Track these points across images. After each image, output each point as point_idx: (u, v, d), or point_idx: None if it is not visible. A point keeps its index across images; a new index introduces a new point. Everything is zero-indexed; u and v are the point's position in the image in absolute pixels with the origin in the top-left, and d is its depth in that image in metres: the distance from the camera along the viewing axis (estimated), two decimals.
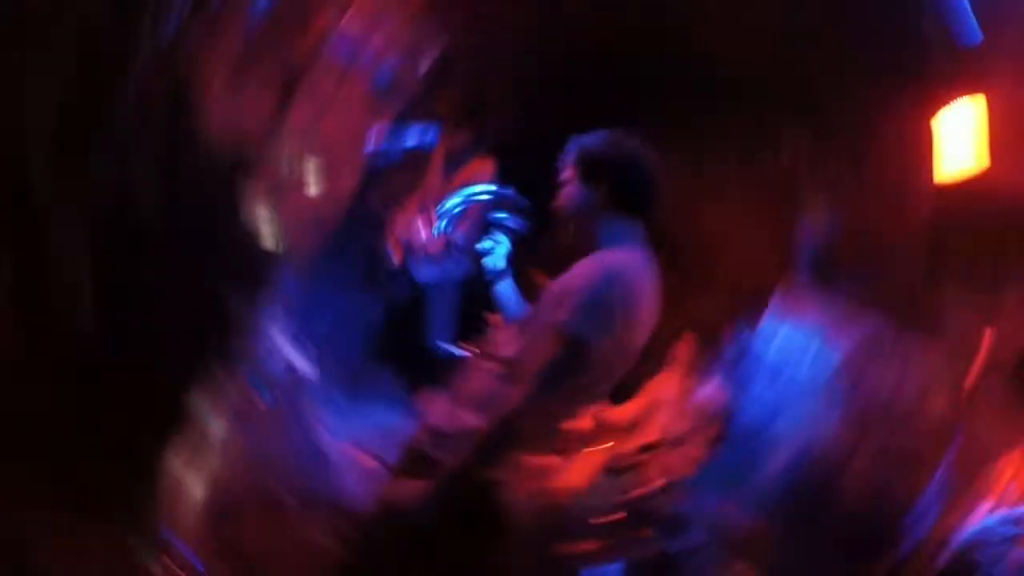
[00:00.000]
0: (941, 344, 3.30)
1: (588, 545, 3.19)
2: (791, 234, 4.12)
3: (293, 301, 4.48)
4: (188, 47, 3.12)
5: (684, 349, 4.02)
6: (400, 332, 4.34)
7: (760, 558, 3.77)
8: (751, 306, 4.47)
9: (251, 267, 2.86)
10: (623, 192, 2.14)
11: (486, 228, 2.43)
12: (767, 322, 4.48)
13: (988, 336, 2.27)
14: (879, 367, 3.93)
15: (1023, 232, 2.71)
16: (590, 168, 2.14)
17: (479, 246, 2.40)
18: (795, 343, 4.33)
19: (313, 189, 4.32)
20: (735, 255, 4.52)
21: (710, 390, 3.41)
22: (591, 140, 2.19)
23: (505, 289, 2.34)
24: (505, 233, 2.37)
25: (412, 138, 2.25)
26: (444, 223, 2.27)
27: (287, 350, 4.40)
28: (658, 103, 3.78)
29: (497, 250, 2.35)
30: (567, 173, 2.19)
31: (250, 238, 2.69)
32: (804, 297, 4.40)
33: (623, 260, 2.07)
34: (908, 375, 3.73)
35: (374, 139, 2.20)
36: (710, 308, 4.51)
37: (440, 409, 2.33)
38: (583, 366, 1.91)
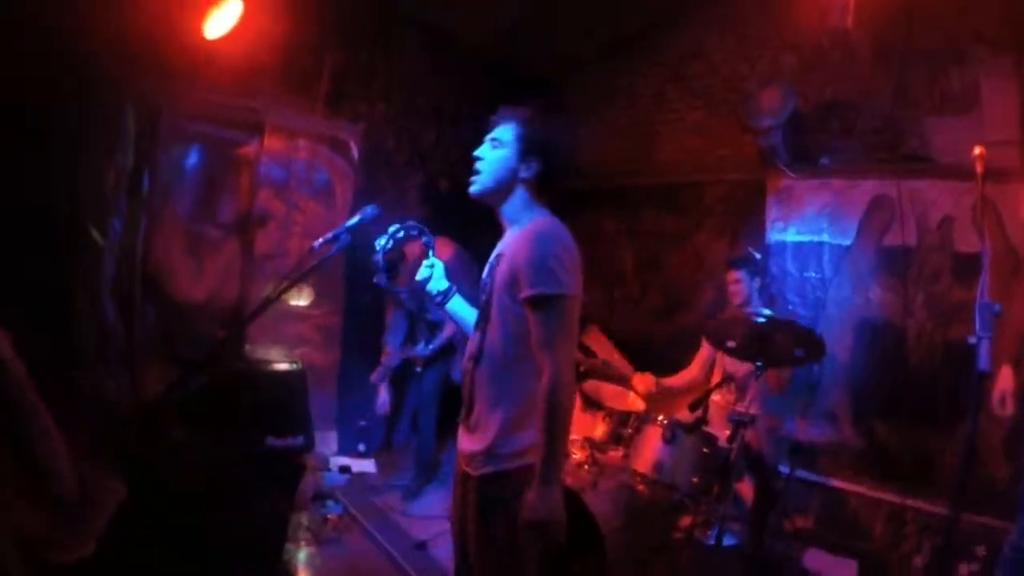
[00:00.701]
0: None
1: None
2: None
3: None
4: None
5: None
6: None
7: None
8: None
9: None
10: (549, 169, 2.11)
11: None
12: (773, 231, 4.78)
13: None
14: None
15: None
16: (530, 144, 2.08)
17: (418, 277, 2.38)
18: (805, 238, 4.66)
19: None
20: None
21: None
22: (531, 116, 2.12)
23: (456, 304, 2.32)
24: (429, 253, 2.36)
25: (355, 218, 2.28)
26: (380, 258, 2.27)
27: (340, 460, 4.61)
28: None
29: (435, 273, 2.32)
30: (503, 134, 2.12)
31: None
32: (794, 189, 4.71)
33: (548, 224, 2.05)
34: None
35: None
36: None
37: None
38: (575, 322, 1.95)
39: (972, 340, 2.04)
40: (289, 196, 4.57)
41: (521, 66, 5.90)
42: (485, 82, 5.65)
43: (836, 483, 4.36)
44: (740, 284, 3.97)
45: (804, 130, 4.64)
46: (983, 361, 1.96)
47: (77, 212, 3.53)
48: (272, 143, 4.43)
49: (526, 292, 1.91)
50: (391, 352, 4.48)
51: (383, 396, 4.53)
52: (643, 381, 3.97)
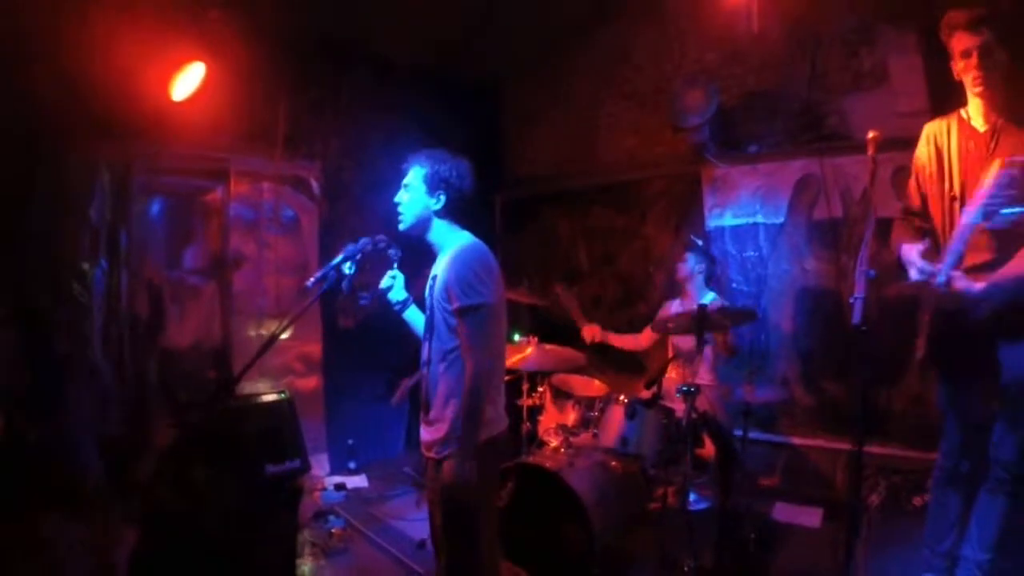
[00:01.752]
0: None
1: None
2: None
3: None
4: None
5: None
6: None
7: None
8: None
9: None
10: (458, 197, 2.53)
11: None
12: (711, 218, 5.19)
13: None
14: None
15: None
16: (433, 182, 2.51)
17: (381, 286, 2.71)
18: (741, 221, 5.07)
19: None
20: None
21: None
22: (428, 158, 2.57)
23: (412, 314, 2.70)
24: (394, 265, 2.68)
25: (340, 255, 2.57)
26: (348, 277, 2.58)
27: (334, 479, 4.86)
28: None
29: (396, 284, 2.65)
30: (412, 178, 2.57)
31: None
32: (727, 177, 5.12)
33: (469, 245, 2.46)
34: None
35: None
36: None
37: None
38: (494, 326, 2.39)
39: (851, 300, 2.37)
40: (259, 236, 4.82)
41: (465, 80, 6.22)
42: (431, 103, 5.92)
43: (796, 440, 4.77)
44: (684, 264, 4.47)
45: (730, 121, 5.04)
46: (857, 316, 2.29)
47: (59, 271, 3.77)
48: (238, 188, 4.68)
49: (455, 304, 2.34)
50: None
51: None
52: (590, 330, 4.73)
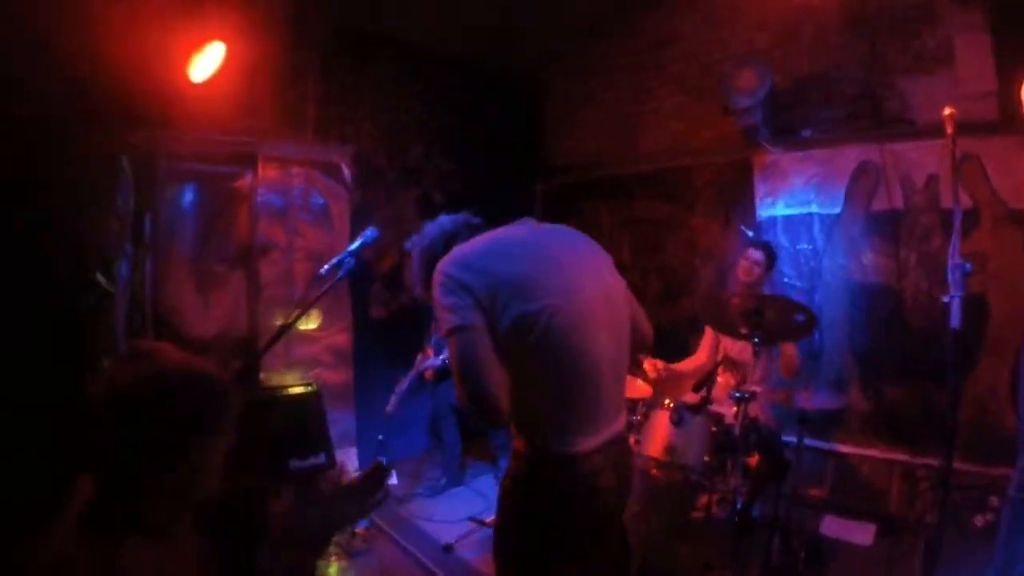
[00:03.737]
0: None
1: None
2: None
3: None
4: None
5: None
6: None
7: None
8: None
9: None
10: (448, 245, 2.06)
11: None
12: (762, 207, 4.88)
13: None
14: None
15: None
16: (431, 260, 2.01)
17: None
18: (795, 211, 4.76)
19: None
20: None
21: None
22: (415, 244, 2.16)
23: None
24: None
25: (356, 241, 2.44)
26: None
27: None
28: None
29: None
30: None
31: None
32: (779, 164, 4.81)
33: (448, 257, 1.97)
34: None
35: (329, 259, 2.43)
36: None
37: None
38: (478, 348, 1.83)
39: (946, 299, 2.11)
40: (288, 223, 4.68)
41: (500, 68, 6.00)
42: (466, 90, 5.76)
43: (846, 449, 4.46)
44: (757, 266, 3.96)
45: (784, 105, 4.72)
46: (955, 319, 2.04)
47: (85, 261, 3.68)
48: (266, 173, 4.54)
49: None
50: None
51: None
52: (652, 365, 4.02)
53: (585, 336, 1.91)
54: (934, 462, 4.05)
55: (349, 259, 2.47)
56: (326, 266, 2.47)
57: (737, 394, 3.16)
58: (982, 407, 3.95)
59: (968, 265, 2.14)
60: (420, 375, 4.84)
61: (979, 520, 3.70)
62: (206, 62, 3.55)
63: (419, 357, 4.83)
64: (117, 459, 1.27)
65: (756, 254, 3.99)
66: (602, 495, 1.93)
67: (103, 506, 1.28)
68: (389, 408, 4.69)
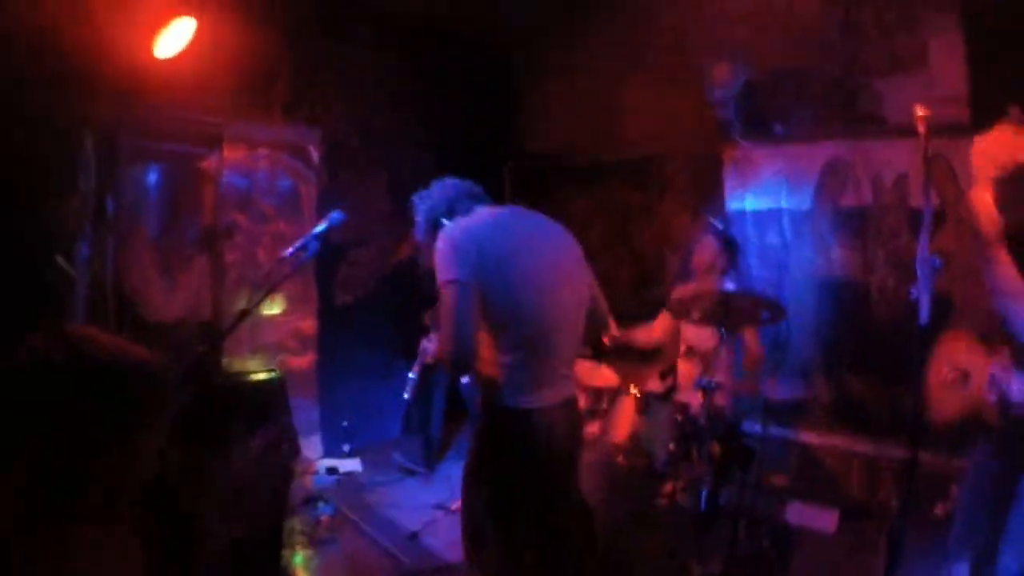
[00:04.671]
0: None
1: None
2: None
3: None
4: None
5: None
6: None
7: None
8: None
9: None
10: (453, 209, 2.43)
11: None
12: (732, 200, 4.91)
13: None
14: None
15: None
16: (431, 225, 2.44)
17: None
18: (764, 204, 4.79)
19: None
20: None
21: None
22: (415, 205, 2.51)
23: None
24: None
25: (322, 224, 2.43)
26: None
27: (327, 462, 4.67)
28: None
29: None
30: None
31: None
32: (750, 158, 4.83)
33: (446, 227, 2.35)
34: None
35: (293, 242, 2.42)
36: None
37: None
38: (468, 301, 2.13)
39: (914, 294, 2.12)
40: (254, 206, 4.58)
41: (478, 46, 5.92)
42: (440, 70, 5.66)
43: (810, 439, 4.52)
44: (707, 250, 4.02)
45: (757, 99, 4.72)
46: (924, 315, 2.04)
47: (46, 243, 3.56)
48: (232, 154, 4.44)
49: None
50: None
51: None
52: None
53: (552, 312, 2.27)
54: (895, 452, 4.14)
55: (314, 242, 2.43)
56: (290, 248, 2.43)
57: (704, 383, 3.18)
58: None
59: (937, 260, 2.14)
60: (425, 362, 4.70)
61: (940, 509, 3.77)
62: (174, 37, 3.44)
63: (423, 343, 4.61)
64: (48, 447, 1.22)
65: (710, 242, 4.03)
66: (558, 444, 2.28)
67: (38, 493, 1.22)
68: (407, 395, 4.57)
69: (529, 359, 2.22)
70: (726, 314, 3.18)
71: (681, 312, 3.65)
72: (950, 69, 4.04)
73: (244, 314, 2.50)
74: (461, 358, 2.12)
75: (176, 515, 3.13)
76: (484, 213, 2.39)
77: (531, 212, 2.48)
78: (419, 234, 2.49)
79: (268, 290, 2.62)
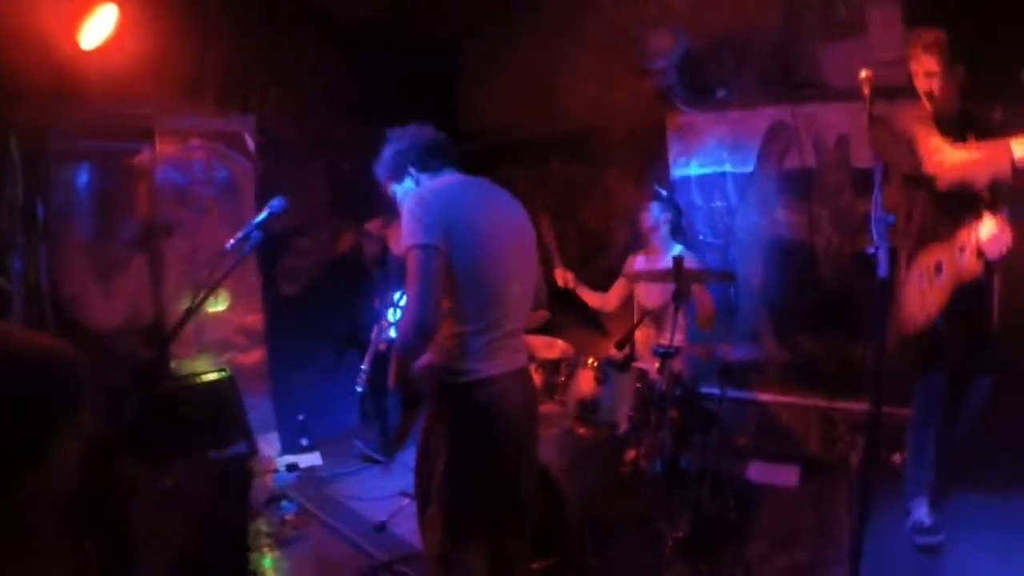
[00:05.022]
0: None
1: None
2: None
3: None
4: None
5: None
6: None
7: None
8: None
9: None
10: (423, 160, 2.44)
11: None
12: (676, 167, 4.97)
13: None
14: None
15: None
16: (395, 167, 2.44)
17: None
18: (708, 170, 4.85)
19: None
20: None
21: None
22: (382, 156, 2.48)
23: None
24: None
25: (263, 213, 2.35)
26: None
27: (286, 459, 4.57)
28: None
29: None
30: (388, 188, 2.50)
31: None
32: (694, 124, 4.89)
33: (414, 190, 2.36)
34: None
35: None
36: None
37: None
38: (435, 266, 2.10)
39: (871, 250, 2.15)
40: (192, 200, 4.41)
41: (414, 30, 5.79)
42: (377, 55, 5.54)
43: (766, 398, 4.62)
44: (648, 213, 4.13)
45: (699, 66, 4.73)
46: (883, 269, 2.08)
47: None
48: (165, 148, 4.25)
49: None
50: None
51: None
52: (563, 274, 4.34)
53: (508, 283, 2.28)
54: (850, 406, 4.28)
55: (256, 232, 2.36)
56: (231, 240, 2.36)
57: (661, 350, 3.19)
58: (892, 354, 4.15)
59: (892, 217, 2.19)
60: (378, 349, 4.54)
61: (897, 458, 3.89)
62: (97, 27, 3.26)
63: (375, 330, 4.47)
64: None
65: (652, 205, 4.13)
66: (517, 412, 2.29)
67: None
68: (359, 387, 4.43)
69: (488, 328, 2.21)
70: (679, 282, 3.20)
71: (635, 279, 3.72)
72: (888, 35, 4.10)
73: (190, 313, 2.40)
74: (427, 322, 2.08)
75: (126, 527, 3.03)
76: (454, 179, 2.40)
77: (495, 185, 2.49)
78: (382, 173, 2.47)
79: (214, 285, 2.50)
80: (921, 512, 3.21)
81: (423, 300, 2.07)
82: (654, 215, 4.11)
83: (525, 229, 2.45)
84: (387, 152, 2.44)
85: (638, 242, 4.41)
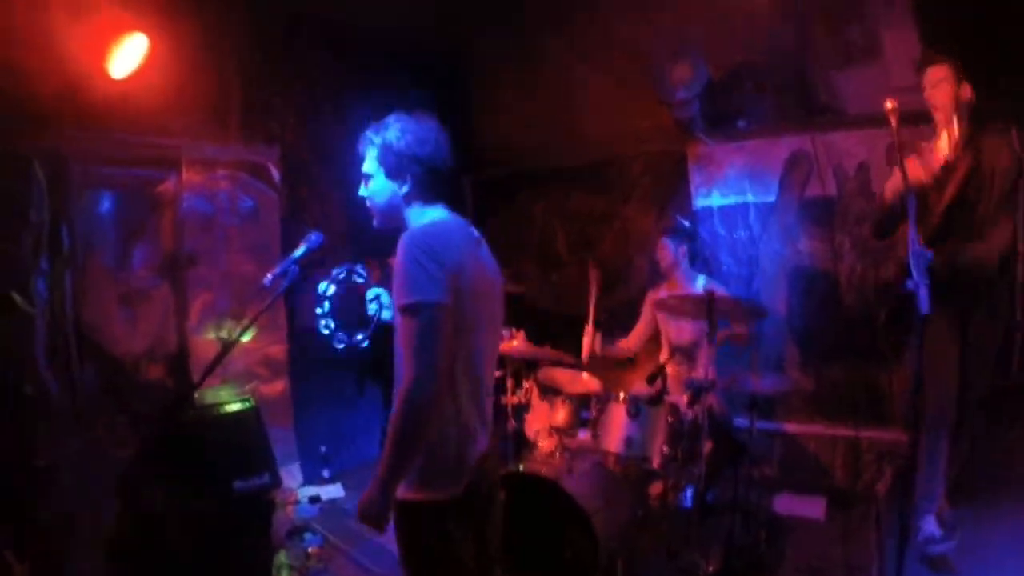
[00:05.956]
0: None
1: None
2: None
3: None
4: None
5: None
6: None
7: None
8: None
9: None
10: (426, 184, 2.07)
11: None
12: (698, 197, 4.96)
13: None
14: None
15: None
16: (392, 164, 2.05)
17: (371, 313, 2.35)
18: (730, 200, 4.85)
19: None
20: None
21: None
22: (379, 136, 2.07)
23: None
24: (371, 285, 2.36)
25: (300, 248, 2.31)
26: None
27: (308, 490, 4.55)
28: None
29: (382, 302, 2.32)
30: (368, 165, 2.12)
31: None
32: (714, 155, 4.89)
33: (418, 230, 1.97)
34: None
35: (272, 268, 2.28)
36: None
37: None
38: (444, 330, 1.81)
39: (910, 286, 2.14)
40: (217, 229, 4.42)
41: (433, 55, 5.85)
42: (396, 76, 5.54)
43: (792, 428, 4.59)
44: (665, 250, 4.13)
45: (717, 95, 4.76)
46: (924, 305, 2.08)
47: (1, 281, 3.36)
48: (191, 177, 4.27)
49: (397, 303, 1.86)
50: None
51: None
52: (590, 339, 4.10)
53: (492, 341, 2.13)
54: (875, 434, 4.25)
55: (294, 267, 2.30)
56: (269, 275, 2.30)
57: (695, 383, 3.17)
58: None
59: (930, 253, 2.20)
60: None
61: None
62: (126, 56, 3.29)
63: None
64: None
65: (667, 242, 4.13)
66: (496, 494, 2.19)
67: None
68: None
69: (475, 392, 1.98)
70: (711, 316, 3.20)
71: (664, 308, 3.72)
72: (904, 60, 4.12)
73: (227, 348, 2.40)
74: (428, 401, 1.78)
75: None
76: (449, 221, 2.07)
77: (468, 223, 2.15)
78: (371, 180, 2.11)
79: (253, 318, 2.50)
80: (931, 525, 3.21)
81: (432, 369, 1.78)
82: (672, 251, 4.12)
83: (499, 282, 2.17)
84: (398, 141, 2.04)
85: (656, 277, 4.42)
